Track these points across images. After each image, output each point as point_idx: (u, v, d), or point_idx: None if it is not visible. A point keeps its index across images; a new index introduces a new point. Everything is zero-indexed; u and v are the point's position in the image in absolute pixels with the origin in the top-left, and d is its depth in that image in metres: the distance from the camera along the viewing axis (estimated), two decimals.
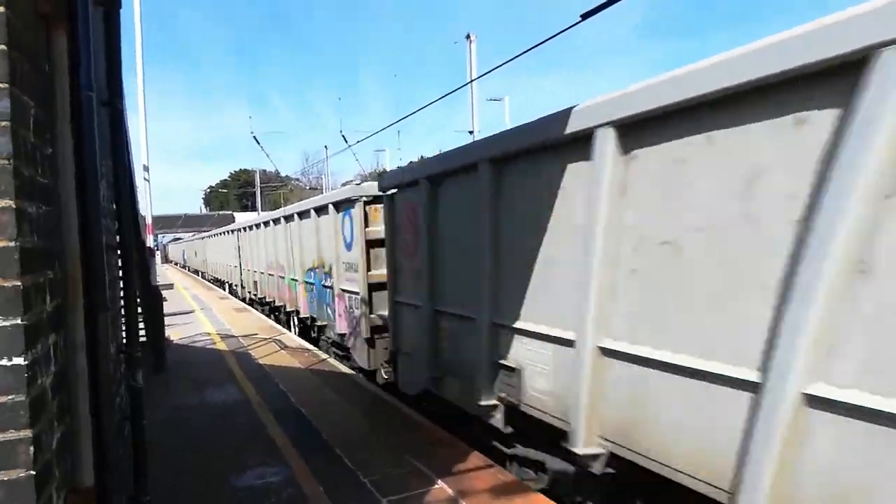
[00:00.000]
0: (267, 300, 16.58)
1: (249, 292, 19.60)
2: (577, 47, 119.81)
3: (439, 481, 4.99)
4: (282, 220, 13.59)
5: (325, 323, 11.37)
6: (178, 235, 65.30)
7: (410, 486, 4.91)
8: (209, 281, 34.14)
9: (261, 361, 10.40)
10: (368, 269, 8.99)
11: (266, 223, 15.59)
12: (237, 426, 6.72)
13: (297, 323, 13.49)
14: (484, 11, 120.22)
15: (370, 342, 9.03)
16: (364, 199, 8.97)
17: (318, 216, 10.91)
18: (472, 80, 17.51)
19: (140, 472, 3.57)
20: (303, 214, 11.92)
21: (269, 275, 15.83)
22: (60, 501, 2.01)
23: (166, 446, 6.00)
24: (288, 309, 14.09)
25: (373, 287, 8.93)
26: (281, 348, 11.59)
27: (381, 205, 8.09)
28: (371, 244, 8.94)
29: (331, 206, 10.06)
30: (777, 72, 2.82)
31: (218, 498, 4.85)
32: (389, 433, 6.28)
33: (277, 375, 9.23)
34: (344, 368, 9.70)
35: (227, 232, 24.39)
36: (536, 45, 6.34)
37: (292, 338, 12.80)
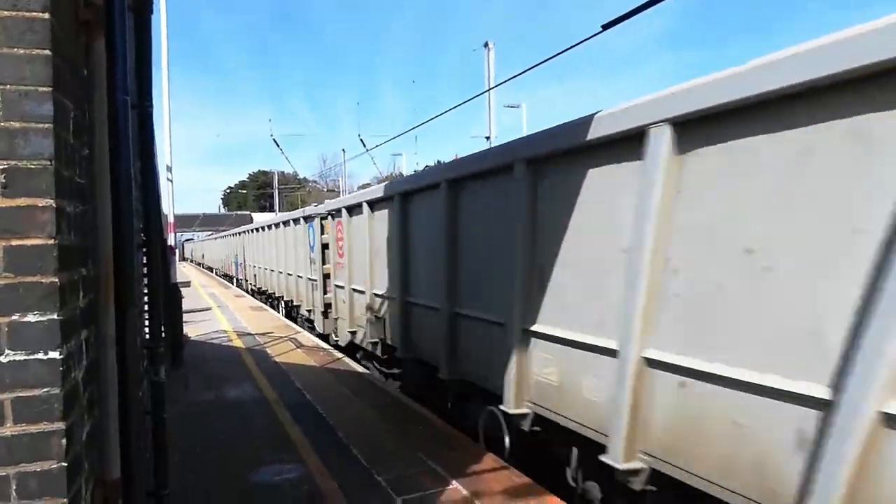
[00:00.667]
0: (227, 273, 33.35)
1: (219, 270, 37.72)
2: (596, 56, 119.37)
3: (454, 481, 5.02)
4: (236, 234, 28.91)
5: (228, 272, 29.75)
6: (188, 236, 67.02)
7: (425, 486, 4.95)
8: (205, 269, 48.62)
9: (277, 359, 10.51)
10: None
11: (232, 235, 31.34)
12: (254, 422, 6.81)
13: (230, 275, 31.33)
14: (501, 19, 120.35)
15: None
16: (247, 231, 23.45)
17: (235, 237, 28.11)
18: (490, 88, 17.55)
19: (160, 465, 3.65)
20: (236, 235, 28.49)
21: (225, 260, 34.40)
22: (88, 493, 2.07)
23: (184, 441, 6.10)
24: (230, 273, 31.65)
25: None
26: (297, 346, 11.70)
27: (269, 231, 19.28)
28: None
29: (232, 235, 30.15)
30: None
31: (235, 493, 4.93)
32: (404, 432, 6.33)
33: (293, 373, 9.32)
34: (359, 368, 9.77)
35: (218, 238, 41.48)
36: (556, 55, 6.36)
37: (308, 336, 12.91)
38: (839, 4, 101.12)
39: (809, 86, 2.90)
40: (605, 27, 4.91)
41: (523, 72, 7.72)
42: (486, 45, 20.55)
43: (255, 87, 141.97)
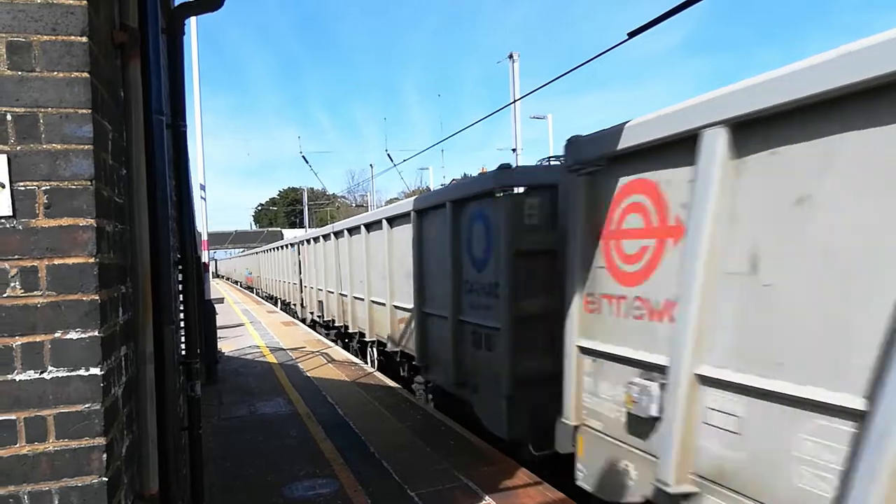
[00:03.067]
0: (244, 284, 44.68)
1: (234, 280, 52.48)
2: (622, 64, 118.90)
3: (487, 497, 4.96)
4: (261, 252, 34.97)
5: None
6: (220, 253, 70.72)
7: (458, 502, 4.90)
8: (222, 279, 64.17)
9: (309, 374, 10.57)
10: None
11: (256, 252, 38.06)
12: (287, 438, 6.84)
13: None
14: (526, 29, 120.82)
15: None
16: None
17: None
18: (515, 101, 17.54)
19: (196, 480, 3.68)
20: (269, 251, 29.80)
21: (249, 273, 41.79)
22: None
23: (219, 456, 6.15)
24: (241, 283, 48.87)
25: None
26: (328, 361, 11.76)
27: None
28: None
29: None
30: None
31: None
32: (437, 448, 6.28)
33: (325, 388, 9.36)
34: (390, 382, 9.77)
35: (241, 256, 52.45)
36: (582, 64, 6.34)
37: (339, 351, 12.97)
38: (866, 6, 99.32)
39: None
40: (632, 34, 4.87)
41: (548, 83, 7.73)
42: (510, 56, 20.56)
43: (283, 106, 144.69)
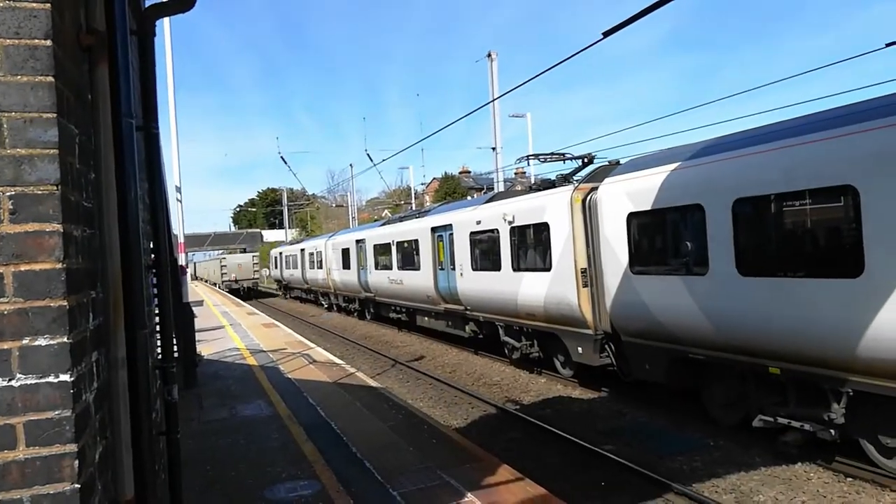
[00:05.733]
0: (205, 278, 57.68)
1: (206, 279, 58.16)
2: (600, 61, 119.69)
3: (469, 494, 4.99)
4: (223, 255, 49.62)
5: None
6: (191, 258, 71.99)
7: (440, 500, 4.91)
8: (201, 281, 65.45)
9: (290, 376, 10.51)
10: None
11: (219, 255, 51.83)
12: (268, 440, 6.81)
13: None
14: (505, 28, 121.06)
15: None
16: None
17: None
18: (493, 99, 17.62)
19: (175, 484, 3.64)
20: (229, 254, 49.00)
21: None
22: None
23: (199, 459, 6.10)
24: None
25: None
26: (309, 363, 11.71)
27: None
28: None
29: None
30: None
31: None
32: (419, 447, 6.30)
33: (306, 389, 9.32)
34: (372, 382, 9.75)
35: (212, 258, 58.35)
36: (557, 64, 6.39)
37: (320, 352, 12.92)
38: (840, 2, 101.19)
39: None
40: (606, 34, 4.92)
41: (525, 82, 7.80)
42: (489, 55, 20.62)
43: (261, 106, 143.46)
